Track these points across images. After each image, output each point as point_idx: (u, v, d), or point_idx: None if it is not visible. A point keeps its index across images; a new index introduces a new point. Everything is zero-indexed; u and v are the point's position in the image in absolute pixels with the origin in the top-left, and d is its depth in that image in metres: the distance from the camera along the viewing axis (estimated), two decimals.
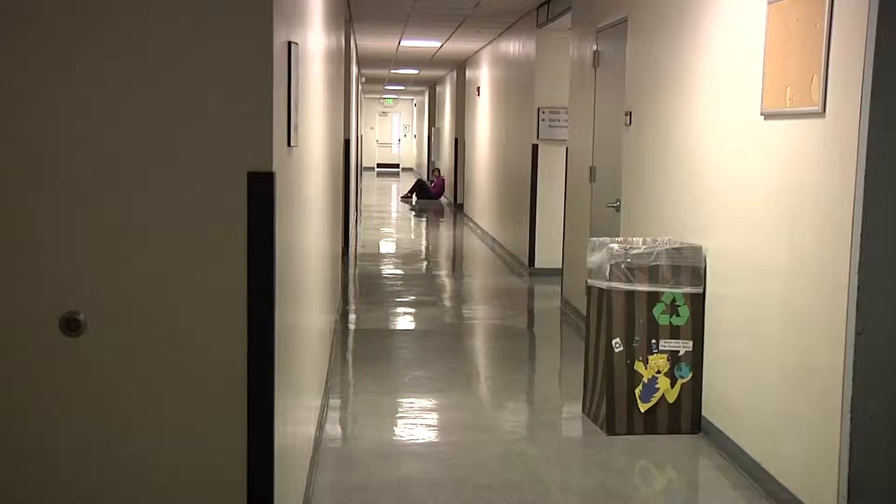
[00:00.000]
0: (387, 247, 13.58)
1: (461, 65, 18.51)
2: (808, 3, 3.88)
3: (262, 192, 2.47)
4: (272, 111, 2.49)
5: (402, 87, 28.56)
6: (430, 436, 5.13)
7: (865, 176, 3.48)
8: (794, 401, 4.04)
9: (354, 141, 14.47)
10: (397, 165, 35.51)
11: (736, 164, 4.67)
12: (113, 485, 2.51)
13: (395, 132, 36.87)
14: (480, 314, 8.68)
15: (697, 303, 5.01)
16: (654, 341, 5.00)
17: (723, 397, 4.84)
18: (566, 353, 7.32)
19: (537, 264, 10.53)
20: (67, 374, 2.46)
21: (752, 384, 4.48)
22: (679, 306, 4.99)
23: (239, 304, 2.47)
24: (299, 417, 3.56)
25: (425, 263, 12.12)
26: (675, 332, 5.01)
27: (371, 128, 34.85)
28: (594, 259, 5.15)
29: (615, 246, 5.02)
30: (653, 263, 4.96)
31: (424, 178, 25.16)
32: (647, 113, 6.14)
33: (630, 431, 5.01)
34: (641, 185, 6.22)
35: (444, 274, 11.47)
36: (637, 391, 5.00)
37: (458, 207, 18.58)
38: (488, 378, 6.46)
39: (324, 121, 5.48)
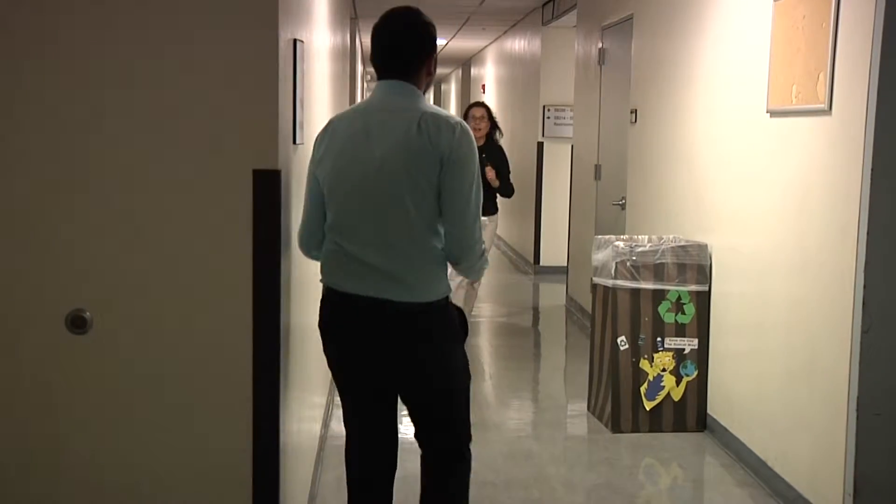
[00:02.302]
0: None
1: (466, 62, 18.50)
2: (815, 0, 3.87)
3: (267, 190, 2.47)
4: (278, 109, 2.49)
5: None
6: None
7: (871, 173, 3.47)
8: (800, 399, 4.03)
9: None
10: None
11: (742, 162, 4.67)
12: (118, 482, 2.52)
13: None
14: (485, 312, 8.68)
15: (703, 301, 5.00)
16: (659, 339, 4.99)
17: (728, 395, 4.83)
18: (571, 351, 7.32)
19: (542, 262, 10.52)
20: (74, 372, 2.47)
21: (757, 382, 4.47)
22: (684, 304, 4.99)
23: (245, 302, 2.47)
24: (305, 415, 3.56)
25: None
26: (680, 330, 5.00)
27: None
28: (599, 257, 5.15)
29: (620, 244, 5.02)
30: (658, 261, 4.96)
31: None
32: (652, 111, 6.13)
33: (635, 429, 5.01)
34: (647, 182, 6.21)
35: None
36: (642, 389, 5.00)
37: None
38: (493, 376, 6.46)
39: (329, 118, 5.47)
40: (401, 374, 2.84)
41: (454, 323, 2.87)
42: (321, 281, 2.90)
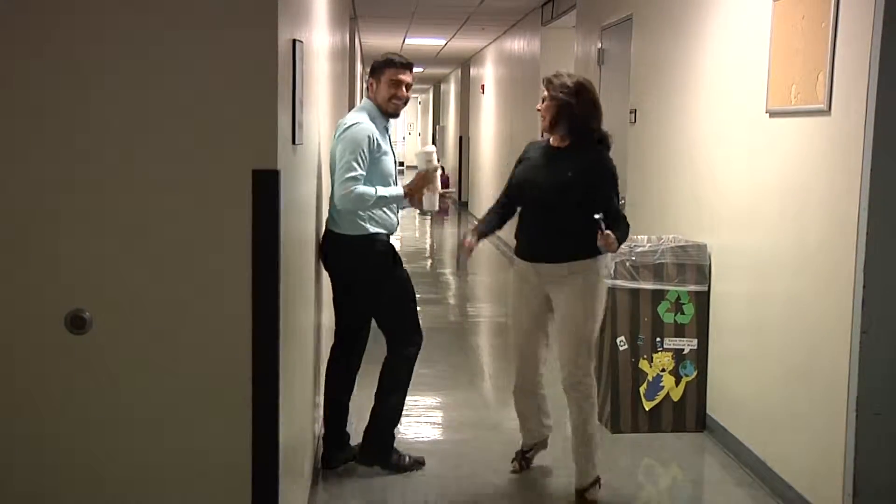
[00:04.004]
0: None
1: (465, 62, 18.50)
2: (814, 0, 3.88)
3: (267, 190, 2.47)
4: (277, 109, 2.49)
5: None
6: (435, 433, 5.13)
7: (871, 174, 3.48)
8: (799, 399, 4.03)
9: None
10: (401, 163, 35.49)
11: (741, 162, 4.67)
12: (118, 481, 2.52)
13: (399, 130, 36.83)
14: (485, 312, 8.68)
15: (702, 301, 5.01)
16: (658, 339, 4.99)
17: (727, 395, 4.83)
18: None
19: None
20: (73, 372, 2.47)
21: (756, 382, 4.47)
22: (684, 304, 4.99)
23: (244, 302, 2.47)
24: (304, 415, 3.56)
25: (430, 261, 12.11)
26: (679, 331, 5.01)
27: None
28: None
29: None
30: (658, 261, 4.96)
31: None
32: (651, 111, 6.13)
33: (635, 429, 5.01)
34: (646, 183, 6.22)
35: (448, 272, 11.47)
36: (642, 389, 5.00)
37: (463, 206, 18.58)
38: (493, 376, 6.45)
39: (329, 119, 5.48)
40: (343, 276, 4.36)
41: (373, 252, 4.21)
42: None
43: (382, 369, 4.40)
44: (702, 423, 5.05)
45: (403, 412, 4.85)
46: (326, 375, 4.43)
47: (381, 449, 4.40)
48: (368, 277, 4.26)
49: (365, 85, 4.40)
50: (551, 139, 4.23)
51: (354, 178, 4.04)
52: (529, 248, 4.18)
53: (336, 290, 4.38)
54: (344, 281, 4.33)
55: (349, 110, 6.17)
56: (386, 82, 4.23)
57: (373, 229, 4.18)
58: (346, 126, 4.16)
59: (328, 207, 4.29)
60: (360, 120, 4.18)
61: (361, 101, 4.46)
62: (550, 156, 4.18)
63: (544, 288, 4.15)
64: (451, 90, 22.17)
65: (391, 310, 4.35)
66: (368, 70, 4.32)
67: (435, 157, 4.35)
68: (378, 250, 4.23)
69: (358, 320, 4.39)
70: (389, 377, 4.39)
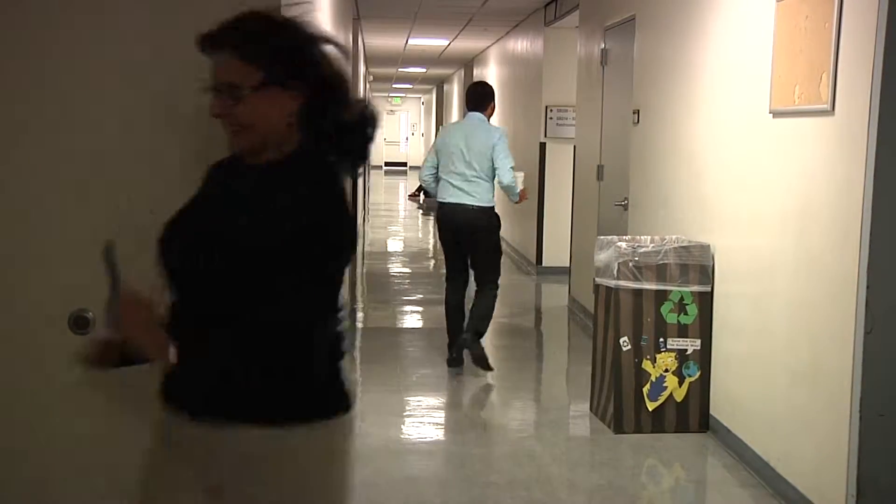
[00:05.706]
0: (394, 245, 13.58)
1: (469, 63, 18.50)
2: (817, 0, 3.87)
3: None
4: None
5: (410, 86, 28.54)
6: (437, 434, 5.13)
7: (874, 174, 3.47)
8: (803, 399, 4.03)
9: None
10: (405, 164, 35.49)
11: (744, 163, 4.66)
12: (120, 482, 2.52)
13: (402, 130, 36.85)
14: None
15: (705, 301, 5.00)
16: (661, 340, 4.99)
17: (731, 396, 4.83)
18: (574, 352, 7.32)
19: (545, 262, 10.52)
20: (76, 372, 2.46)
21: (760, 383, 4.47)
22: (687, 305, 4.99)
23: None
24: None
25: (433, 262, 12.11)
26: (682, 331, 5.00)
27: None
28: (602, 257, 5.15)
29: (623, 244, 5.01)
30: (661, 262, 4.96)
31: None
32: (654, 111, 6.13)
33: (638, 430, 5.01)
34: (649, 183, 6.21)
35: None
36: (645, 390, 5.00)
37: None
38: (495, 376, 6.45)
39: None
40: (464, 234, 6.23)
41: (493, 217, 6.23)
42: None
43: (477, 301, 6.20)
44: (705, 423, 5.04)
45: (407, 412, 4.87)
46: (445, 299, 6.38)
47: (476, 336, 6.15)
48: (484, 233, 6.12)
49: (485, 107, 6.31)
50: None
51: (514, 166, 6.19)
52: (186, 388, 1.92)
53: (449, 242, 6.30)
54: (463, 237, 6.14)
55: None
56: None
57: (494, 203, 6.20)
58: (501, 131, 6.19)
59: (457, 186, 6.13)
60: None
61: (477, 114, 6.25)
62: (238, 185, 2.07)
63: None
64: (455, 91, 22.17)
65: (488, 259, 6.17)
66: (488, 94, 6.37)
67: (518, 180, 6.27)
68: (495, 218, 6.24)
69: (464, 263, 6.26)
70: (484, 304, 6.16)
